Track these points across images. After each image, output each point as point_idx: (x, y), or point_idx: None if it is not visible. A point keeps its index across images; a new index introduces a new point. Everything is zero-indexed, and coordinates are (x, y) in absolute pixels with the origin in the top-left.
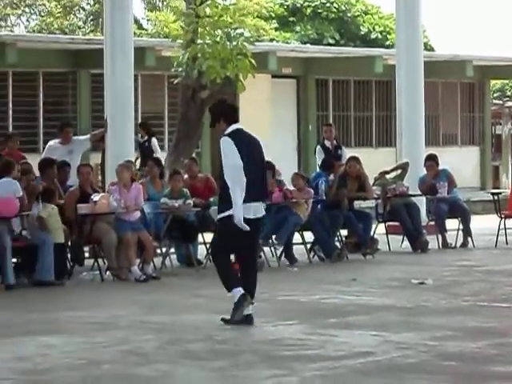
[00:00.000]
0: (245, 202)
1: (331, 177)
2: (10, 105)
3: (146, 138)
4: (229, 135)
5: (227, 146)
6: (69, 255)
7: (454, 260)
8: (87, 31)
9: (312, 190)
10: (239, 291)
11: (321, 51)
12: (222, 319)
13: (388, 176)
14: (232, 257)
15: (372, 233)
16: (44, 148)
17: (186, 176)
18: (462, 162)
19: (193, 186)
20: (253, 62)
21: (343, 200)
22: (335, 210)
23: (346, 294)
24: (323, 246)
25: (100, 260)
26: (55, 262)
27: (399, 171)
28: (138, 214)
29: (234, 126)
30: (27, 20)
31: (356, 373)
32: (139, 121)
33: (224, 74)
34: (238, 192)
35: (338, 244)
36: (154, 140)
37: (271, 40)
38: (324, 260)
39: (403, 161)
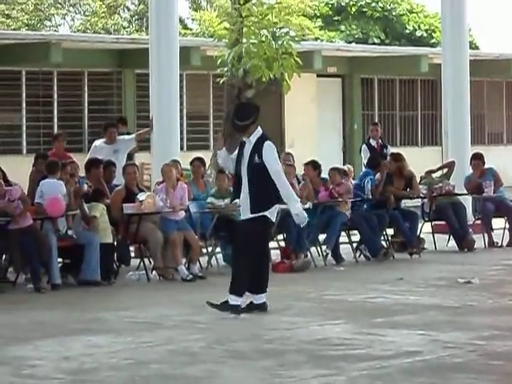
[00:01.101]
0: (273, 204)
1: (377, 176)
2: (55, 105)
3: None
4: (269, 138)
5: (274, 150)
6: (115, 255)
7: (501, 259)
8: (132, 31)
9: (349, 183)
10: (244, 302)
11: (366, 50)
12: (208, 302)
13: (434, 175)
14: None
15: (418, 232)
16: (89, 148)
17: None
18: (508, 161)
19: None
20: (298, 61)
21: (390, 197)
22: (381, 209)
23: (392, 294)
24: (369, 246)
25: (146, 260)
26: (103, 261)
27: (445, 170)
28: (183, 213)
29: (259, 129)
30: (72, 20)
31: (403, 372)
32: (185, 120)
33: (269, 73)
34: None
35: (384, 243)
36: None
37: (316, 39)
38: (370, 259)
39: (449, 160)
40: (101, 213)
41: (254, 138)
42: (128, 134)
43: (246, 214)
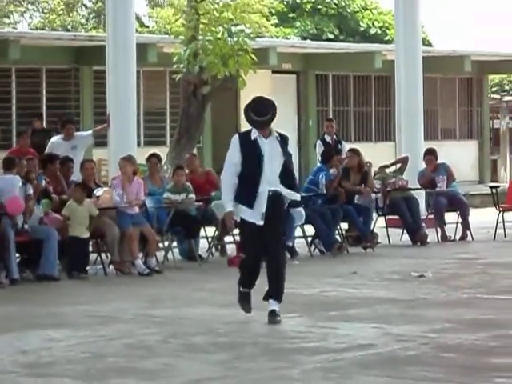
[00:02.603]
0: None
1: (332, 170)
2: (14, 101)
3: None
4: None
5: None
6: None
7: (454, 253)
8: (89, 28)
9: None
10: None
11: (320, 47)
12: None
13: (388, 170)
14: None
15: (372, 226)
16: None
17: (186, 171)
18: (460, 156)
19: (194, 180)
20: (253, 57)
21: (341, 193)
22: (335, 204)
23: (346, 287)
24: (324, 240)
25: (103, 254)
26: (81, 255)
27: (399, 165)
28: (137, 208)
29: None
30: (30, 17)
31: (357, 365)
32: (142, 116)
33: (225, 69)
34: None
35: (338, 237)
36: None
37: (271, 36)
38: (325, 253)
39: (403, 155)
40: (75, 209)
41: (276, 134)
42: (44, 130)
43: (279, 213)
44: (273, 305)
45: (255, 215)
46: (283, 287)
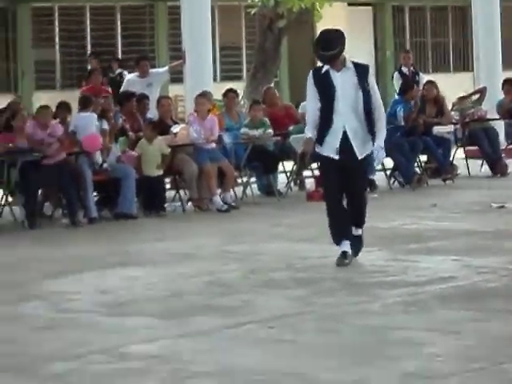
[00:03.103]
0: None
1: (412, 103)
2: (89, 38)
3: (118, 71)
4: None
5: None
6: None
7: None
8: None
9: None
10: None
11: None
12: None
13: (466, 101)
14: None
15: (451, 158)
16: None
17: (263, 105)
18: None
19: (273, 114)
20: None
21: (420, 124)
22: (414, 136)
23: (426, 220)
24: (403, 173)
25: (181, 191)
26: (155, 194)
27: (477, 96)
28: (214, 144)
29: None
30: None
31: (437, 298)
32: (217, 51)
33: (300, 3)
34: None
35: (417, 170)
36: (126, 73)
37: None
38: (404, 186)
39: (480, 86)
40: (145, 147)
41: (351, 65)
42: (121, 73)
43: (362, 149)
44: (355, 231)
45: (330, 149)
46: (365, 214)
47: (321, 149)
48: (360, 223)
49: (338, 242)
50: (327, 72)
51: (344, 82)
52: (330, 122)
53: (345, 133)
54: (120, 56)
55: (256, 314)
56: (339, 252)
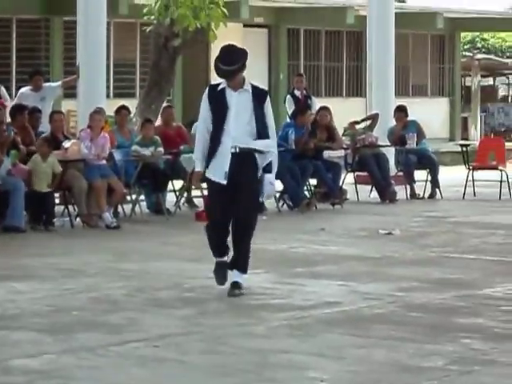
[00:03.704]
0: None
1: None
2: None
3: None
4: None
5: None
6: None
7: (422, 211)
8: None
9: None
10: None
11: (293, 1)
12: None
13: (358, 126)
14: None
15: (341, 183)
16: (16, 95)
17: (157, 123)
18: (431, 113)
19: (165, 133)
20: (225, 11)
21: (310, 148)
22: (304, 160)
23: (314, 244)
24: (292, 196)
25: (70, 207)
26: (43, 210)
27: (369, 122)
28: (104, 160)
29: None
30: None
31: (322, 323)
32: (111, 68)
33: (196, 22)
34: None
35: (307, 193)
36: (2, 88)
37: None
38: (293, 209)
39: (373, 112)
40: (39, 163)
41: (249, 86)
42: None
43: (247, 172)
44: (235, 276)
45: (218, 173)
46: (248, 255)
47: (208, 172)
48: (243, 267)
49: (221, 282)
50: (223, 90)
51: (239, 103)
52: (219, 144)
53: (234, 155)
54: (14, 69)
55: (142, 332)
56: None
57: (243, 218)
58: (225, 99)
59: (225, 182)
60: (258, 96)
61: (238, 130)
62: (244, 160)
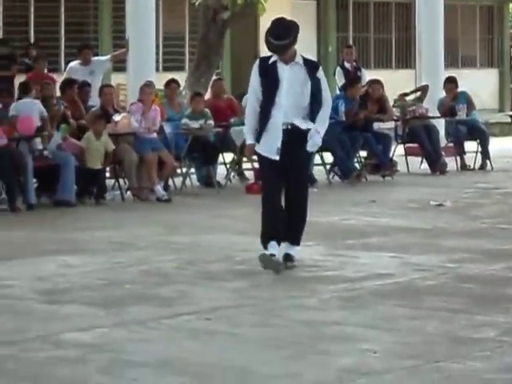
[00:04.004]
0: None
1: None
2: (32, 25)
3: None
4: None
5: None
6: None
7: (473, 182)
8: None
9: None
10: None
11: None
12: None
13: (407, 98)
14: None
15: (391, 154)
16: (65, 69)
17: (207, 96)
18: (480, 84)
19: (216, 105)
20: None
21: (360, 119)
22: (355, 131)
23: (365, 216)
24: (342, 168)
25: (121, 180)
26: (95, 186)
27: (419, 93)
28: (155, 134)
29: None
30: None
31: (374, 294)
32: (160, 41)
33: None
34: None
35: (357, 165)
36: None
37: None
38: (343, 181)
39: (423, 83)
40: (89, 140)
41: (300, 60)
42: (11, 55)
43: (300, 149)
44: (287, 248)
45: (269, 149)
46: (302, 229)
47: (259, 147)
48: (297, 239)
49: (265, 244)
50: (274, 63)
51: (291, 76)
52: (270, 117)
53: (285, 131)
54: (63, 43)
55: (193, 305)
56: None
57: (296, 195)
58: (276, 72)
59: (277, 158)
60: (310, 68)
61: (290, 104)
62: (296, 137)
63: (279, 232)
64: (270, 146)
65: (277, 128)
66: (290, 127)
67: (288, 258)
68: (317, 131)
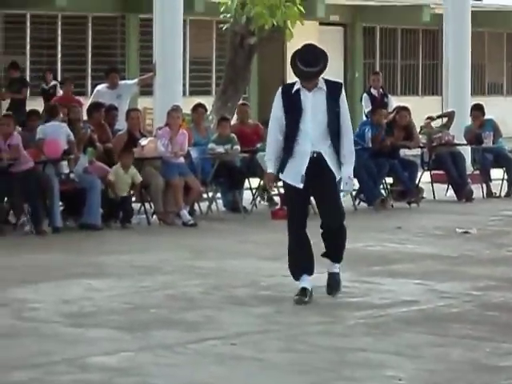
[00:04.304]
0: None
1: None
2: (59, 48)
3: (52, 83)
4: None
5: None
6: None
7: (499, 210)
8: None
9: None
10: None
11: None
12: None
13: (433, 124)
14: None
15: (417, 181)
16: (92, 92)
17: (234, 121)
18: (507, 112)
19: (242, 131)
20: (301, 9)
21: (386, 145)
22: (381, 158)
23: (391, 242)
24: (367, 194)
25: (147, 204)
26: (124, 208)
27: (445, 120)
28: (183, 159)
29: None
30: None
31: (400, 321)
32: (188, 65)
33: (272, 20)
34: None
35: (383, 192)
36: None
37: None
38: (368, 207)
39: (449, 109)
40: (117, 174)
41: (323, 84)
42: (22, 79)
43: (329, 174)
44: (331, 266)
45: (294, 177)
46: (342, 250)
47: (285, 175)
48: (337, 257)
49: (297, 277)
50: (298, 91)
51: (315, 102)
52: (297, 145)
53: (313, 158)
54: (90, 66)
55: (219, 330)
56: (298, 288)
57: (332, 220)
58: (299, 100)
59: (301, 186)
60: (333, 90)
61: (317, 132)
62: (321, 165)
63: (306, 262)
64: (295, 174)
65: (303, 156)
66: (315, 155)
67: (332, 277)
68: (349, 177)
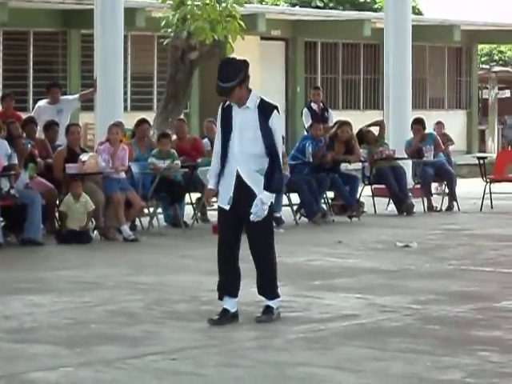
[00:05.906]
0: None
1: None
2: (0, 63)
3: None
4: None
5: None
6: (57, 215)
7: (439, 223)
8: None
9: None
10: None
11: (310, 14)
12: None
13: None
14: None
15: (358, 195)
16: (33, 107)
17: (174, 137)
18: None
19: (180, 146)
20: (242, 23)
21: (327, 160)
22: (322, 173)
23: (331, 256)
24: (307, 208)
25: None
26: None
27: (377, 129)
28: (124, 174)
29: (255, 93)
30: None
31: (340, 335)
32: (129, 81)
33: (213, 35)
34: None
35: (324, 206)
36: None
37: (260, 2)
38: (309, 221)
39: (378, 118)
40: (68, 205)
41: (252, 104)
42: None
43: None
44: (267, 301)
45: (221, 198)
46: (272, 278)
47: (218, 195)
48: (267, 292)
49: (220, 297)
50: (229, 107)
51: (243, 120)
52: (226, 164)
53: (238, 178)
54: (31, 82)
55: (159, 345)
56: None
57: (255, 246)
58: (230, 116)
59: (227, 208)
60: (265, 110)
61: (242, 151)
62: (246, 185)
63: (230, 284)
64: (225, 194)
65: (231, 176)
66: (240, 176)
67: (267, 310)
68: (262, 201)
